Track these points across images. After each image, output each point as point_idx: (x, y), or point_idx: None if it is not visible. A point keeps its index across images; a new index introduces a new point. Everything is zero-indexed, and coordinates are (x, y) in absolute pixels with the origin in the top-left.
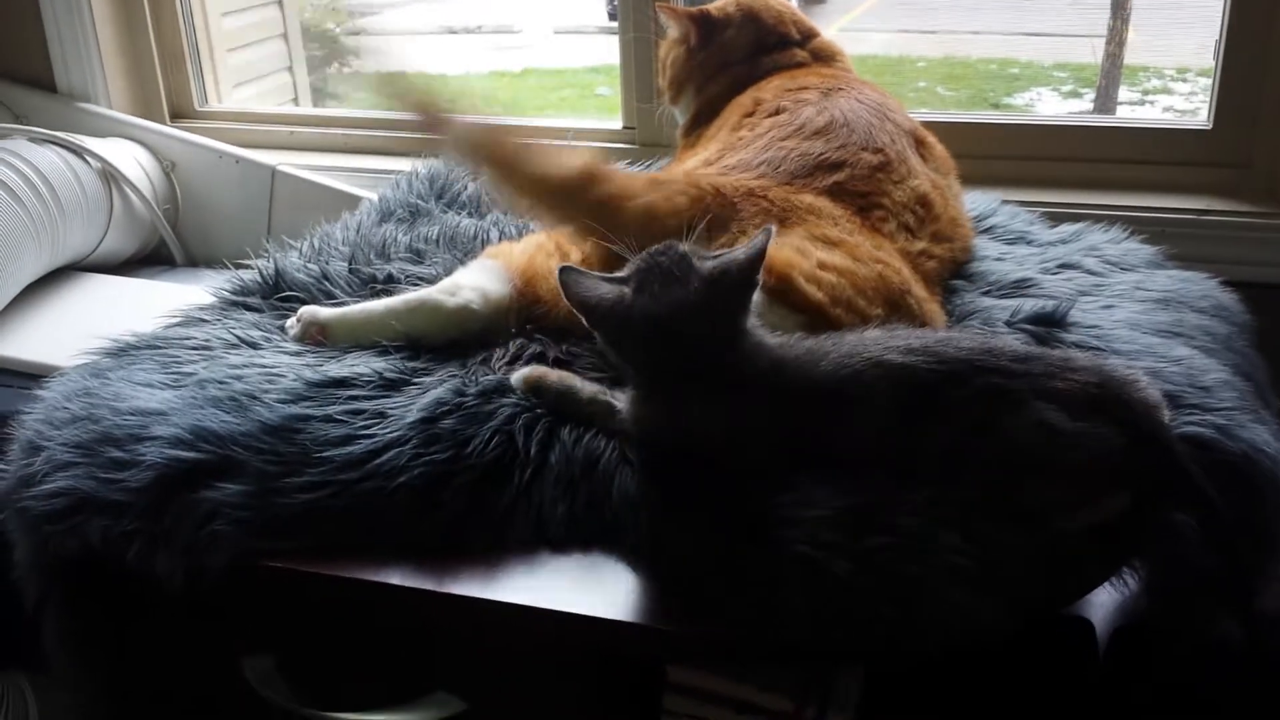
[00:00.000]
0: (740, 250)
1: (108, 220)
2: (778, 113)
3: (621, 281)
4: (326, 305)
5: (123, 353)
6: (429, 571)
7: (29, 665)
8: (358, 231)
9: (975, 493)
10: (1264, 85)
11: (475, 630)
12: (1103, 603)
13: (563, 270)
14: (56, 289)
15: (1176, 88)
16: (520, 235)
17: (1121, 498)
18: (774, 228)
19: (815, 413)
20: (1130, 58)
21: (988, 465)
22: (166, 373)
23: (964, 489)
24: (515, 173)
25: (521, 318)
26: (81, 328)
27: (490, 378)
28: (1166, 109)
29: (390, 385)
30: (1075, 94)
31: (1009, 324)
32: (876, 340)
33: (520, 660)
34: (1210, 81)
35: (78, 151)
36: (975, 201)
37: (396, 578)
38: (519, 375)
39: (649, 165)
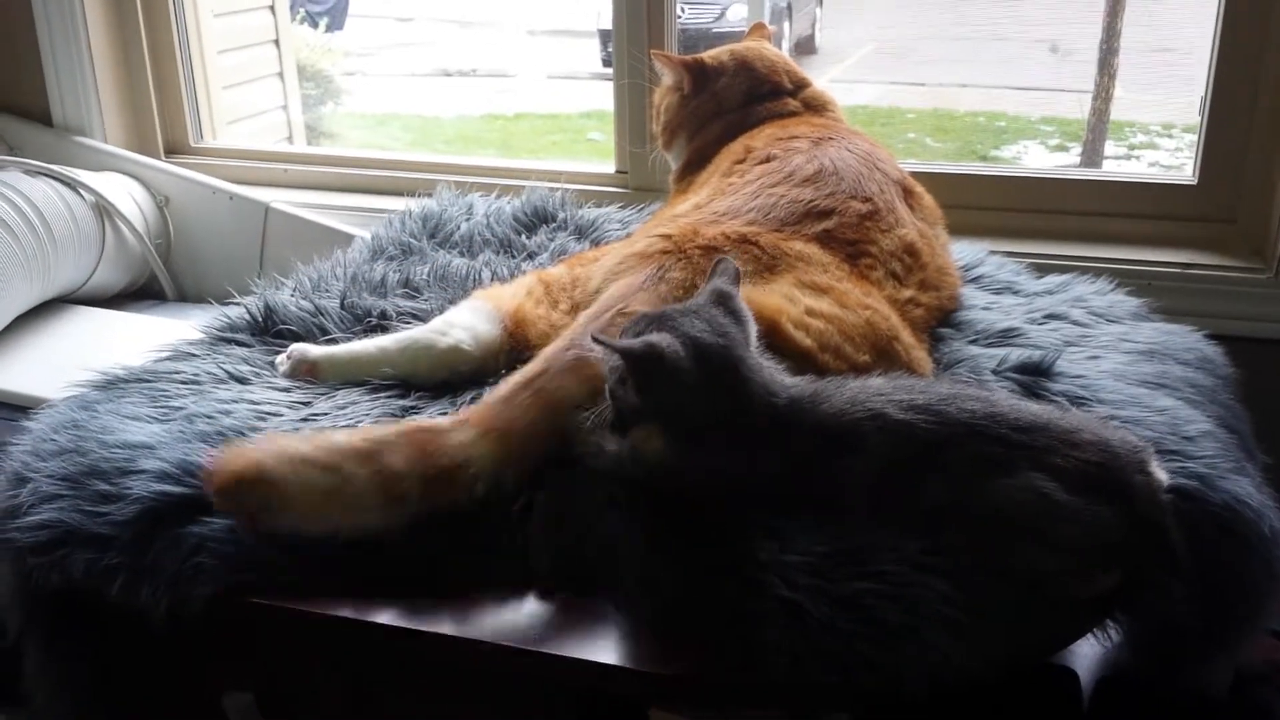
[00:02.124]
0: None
1: (99, 253)
2: (768, 160)
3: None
4: (320, 341)
5: (111, 386)
6: (413, 611)
7: (8, 699)
8: (350, 268)
9: (965, 548)
10: (1249, 142)
11: (458, 670)
12: (1087, 653)
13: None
14: (46, 321)
15: (1162, 143)
16: (512, 276)
17: (1112, 575)
18: (729, 260)
19: (811, 456)
20: (1117, 113)
21: (979, 524)
22: (155, 406)
23: (954, 543)
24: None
25: (511, 358)
26: (71, 360)
27: None
28: (1152, 164)
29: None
30: (1062, 148)
31: (995, 373)
32: (879, 391)
33: (503, 701)
34: (1196, 138)
35: (72, 185)
36: (963, 251)
37: (381, 616)
38: None
39: (642, 209)
